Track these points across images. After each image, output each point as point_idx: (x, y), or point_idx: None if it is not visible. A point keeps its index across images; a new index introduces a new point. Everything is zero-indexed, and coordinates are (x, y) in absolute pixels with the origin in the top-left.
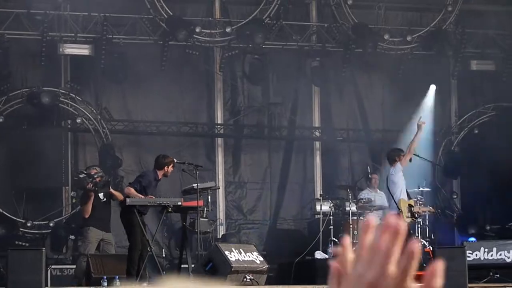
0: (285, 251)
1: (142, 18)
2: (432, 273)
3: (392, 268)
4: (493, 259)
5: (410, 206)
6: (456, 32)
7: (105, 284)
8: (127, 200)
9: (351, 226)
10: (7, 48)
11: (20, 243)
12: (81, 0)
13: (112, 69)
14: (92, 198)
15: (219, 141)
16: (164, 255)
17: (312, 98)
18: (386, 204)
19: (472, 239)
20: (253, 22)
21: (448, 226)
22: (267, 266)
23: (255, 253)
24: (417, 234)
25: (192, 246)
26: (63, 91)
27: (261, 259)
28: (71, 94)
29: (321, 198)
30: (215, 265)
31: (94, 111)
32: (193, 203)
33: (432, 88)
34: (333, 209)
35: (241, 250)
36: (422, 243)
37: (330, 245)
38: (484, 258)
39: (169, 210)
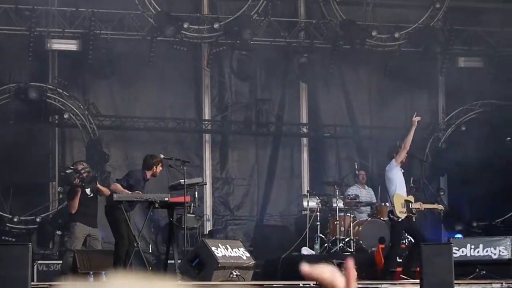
0: (271, 247)
1: (130, 14)
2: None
3: None
4: (480, 255)
5: (407, 202)
6: (444, 29)
7: (91, 279)
8: (114, 195)
9: (337, 222)
10: None
11: (7, 238)
12: None
13: (99, 65)
14: (79, 193)
15: (207, 137)
16: (150, 251)
17: (300, 95)
18: (374, 200)
19: (459, 235)
20: (241, 18)
21: (435, 223)
22: (253, 262)
23: (242, 249)
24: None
25: (179, 242)
26: (51, 87)
27: (248, 255)
28: (59, 90)
29: (308, 194)
30: (202, 261)
31: (81, 106)
32: (180, 199)
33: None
34: (320, 205)
35: (227, 246)
36: (409, 239)
37: (316, 241)
38: (471, 254)
39: (156, 206)
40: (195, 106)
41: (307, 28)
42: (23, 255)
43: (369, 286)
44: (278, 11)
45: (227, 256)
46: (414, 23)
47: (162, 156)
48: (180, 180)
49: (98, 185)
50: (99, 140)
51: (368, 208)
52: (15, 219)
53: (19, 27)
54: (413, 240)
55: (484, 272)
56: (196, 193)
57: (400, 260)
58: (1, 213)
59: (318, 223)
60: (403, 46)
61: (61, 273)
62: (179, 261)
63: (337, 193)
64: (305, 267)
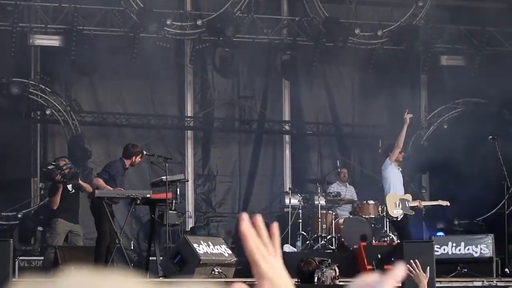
0: None
1: (113, 10)
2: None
3: None
4: (461, 253)
5: (403, 200)
6: (426, 27)
7: None
8: (96, 192)
9: (320, 219)
10: None
11: None
12: None
13: (82, 61)
14: (61, 189)
15: (189, 133)
16: (132, 248)
17: (282, 92)
18: (355, 198)
19: (440, 233)
20: (224, 15)
21: (416, 221)
22: (235, 259)
23: (224, 246)
24: (385, 228)
25: (161, 239)
26: (33, 82)
27: (230, 252)
28: (41, 85)
29: (290, 192)
30: (183, 258)
31: (63, 102)
32: (162, 196)
33: None
34: (302, 202)
35: (209, 243)
36: (391, 237)
37: (298, 239)
38: (452, 252)
39: (138, 202)
40: (178, 103)
41: (290, 25)
42: (4, 251)
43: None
44: (261, 8)
45: (209, 253)
46: (397, 21)
47: (144, 152)
48: (162, 177)
49: (80, 181)
50: (81, 136)
51: (349, 206)
52: None
53: (1, 22)
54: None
55: (466, 270)
56: (178, 190)
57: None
58: None
59: (300, 220)
60: (385, 44)
61: (43, 269)
62: (161, 258)
63: (319, 191)
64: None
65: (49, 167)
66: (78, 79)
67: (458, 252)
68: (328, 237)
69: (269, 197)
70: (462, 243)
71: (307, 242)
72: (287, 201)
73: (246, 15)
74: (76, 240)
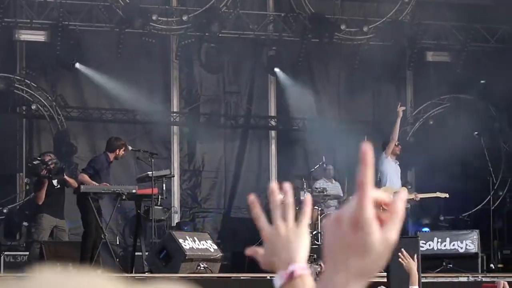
0: (239, 239)
1: (99, 5)
2: (397, 199)
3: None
4: (447, 249)
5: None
6: (412, 23)
7: None
8: (82, 187)
9: None
10: None
11: None
12: None
13: (67, 56)
14: (46, 184)
15: (175, 129)
16: (118, 243)
17: (268, 87)
18: (341, 194)
19: (426, 229)
20: (210, 11)
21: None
22: (221, 254)
23: (209, 241)
24: None
25: (146, 234)
26: (18, 78)
27: (215, 247)
28: (26, 81)
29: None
30: (169, 253)
31: (49, 97)
32: (147, 191)
33: None
34: None
35: (195, 238)
36: None
37: None
38: (438, 248)
39: (124, 198)
40: (164, 98)
41: (276, 21)
42: None
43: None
44: (247, 4)
45: (195, 248)
46: (383, 17)
47: (130, 148)
48: (148, 172)
49: (65, 177)
50: (66, 132)
51: (335, 202)
52: None
53: None
54: None
55: (451, 265)
56: (163, 185)
57: None
58: None
59: None
60: (371, 40)
61: (28, 264)
62: (147, 253)
63: (305, 186)
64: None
65: (34, 162)
66: (64, 74)
67: (443, 248)
68: (314, 233)
69: (255, 193)
70: (448, 239)
71: None
72: None
73: (232, 10)
74: (61, 235)
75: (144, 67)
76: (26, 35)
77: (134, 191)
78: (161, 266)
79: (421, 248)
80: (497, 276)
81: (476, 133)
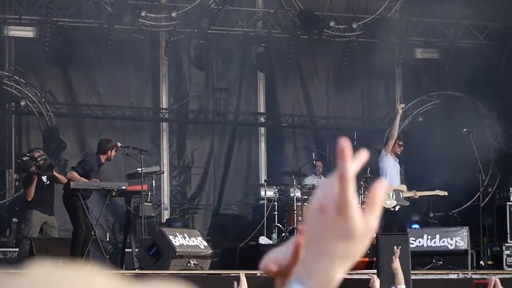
0: (229, 236)
1: (88, 1)
2: (376, 187)
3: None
4: (436, 246)
5: (398, 191)
6: (401, 20)
7: None
8: (71, 183)
9: (295, 212)
10: None
11: None
12: None
13: (57, 52)
14: (35, 181)
15: (164, 125)
16: (108, 239)
17: (257, 84)
18: None
19: (416, 226)
20: (199, 7)
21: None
22: (211, 251)
23: (200, 238)
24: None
25: (136, 231)
26: (7, 74)
27: (205, 244)
28: (15, 77)
29: (265, 184)
30: (159, 250)
31: (38, 94)
32: (137, 188)
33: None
34: (277, 194)
35: (185, 234)
36: None
37: (274, 231)
38: (427, 245)
39: (113, 194)
40: (153, 95)
41: (265, 17)
42: None
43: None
44: (236, 1)
45: (185, 245)
46: (372, 14)
47: (119, 144)
48: (138, 169)
49: (55, 173)
50: (56, 128)
51: None
52: None
53: None
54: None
55: (441, 262)
56: (153, 181)
57: None
58: None
59: (276, 212)
60: (360, 37)
61: (18, 260)
62: (137, 250)
63: (294, 183)
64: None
65: (23, 159)
66: (53, 70)
67: (433, 245)
68: None
69: (245, 189)
70: (437, 236)
71: (283, 234)
72: (262, 193)
73: (221, 7)
74: (51, 231)
75: (133, 63)
76: (15, 31)
77: (123, 187)
78: (151, 262)
79: (411, 245)
80: (487, 273)
81: (465, 130)
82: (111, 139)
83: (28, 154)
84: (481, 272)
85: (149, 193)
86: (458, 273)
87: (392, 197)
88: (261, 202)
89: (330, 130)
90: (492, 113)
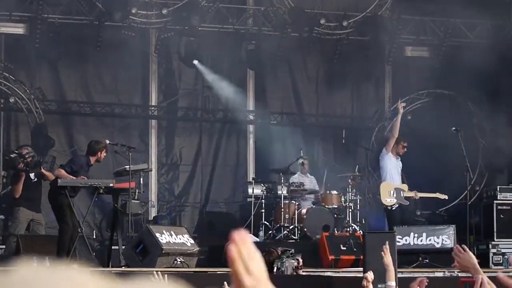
0: (216, 234)
1: None
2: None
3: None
4: (423, 244)
5: (398, 190)
6: (391, 18)
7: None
8: (59, 181)
9: (282, 209)
10: None
11: None
12: None
13: (46, 49)
14: (23, 178)
15: (153, 123)
16: (94, 236)
17: (247, 81)
18: (316, 188)
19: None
20: (190, 4)
21: (379, 211)
22: (198, 248)
23: (186, 236)
24: (348, 219)
25: (123, 228)
26: None
27: (192, 241)
28: (5, 73)
29: (253, 181)
30: (146, 247)
31: (27, 90)
32: (125, 185)
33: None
34: (265, 192)
35: (172, 232)
36: (353, 227)
37: (261, 228)
38: (414, 243)
39: (101, 192)
40: (142, 92)
41: (256, 15)
42: None
43: (311, 274)
44: None
45: (171, 242)
46: (362, 12)
47: (107, 141)
48: (126, 166)
49: (43, 170)
50: (44, 125)
51: (312, 196)
52: None
53: None
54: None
55: (427, 260)
56: (141, 179)
57: None
58: None
59: (263, 210)
60: (351, 34)
61: (5, 257)
62: (123, 247)
63: (282, 181)
64: None
65: (11, 156)
66: (43, 67)
67: (420, 243)
68: (290, 227)
69: (232, 187)
70: (424, 234)
71: (270, 232)
72: (250, 191)
73: (211, 4)
74: (38, 228)
75: (123, 60)
76: (5, 28)
77: (111, 185)
78: (138, 260)
79: (397, 243)
80: None
81: (454, 128)
82: (101, 140)
83: (16, 151)
84: None
85: (137, 191)
86: (444, 271)
87: (393, 195)
88: (248, 199)
89: (319, 128)
90: (481, 112)
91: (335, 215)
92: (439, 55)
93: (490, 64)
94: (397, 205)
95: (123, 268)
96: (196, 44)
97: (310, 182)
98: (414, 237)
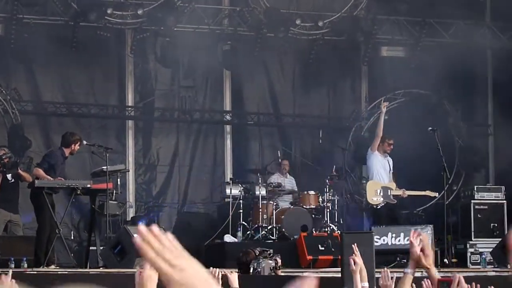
0: (194, 234)
1: None
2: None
3: None
4: (401, 244)
5: (386, 188)
6: (367, 18)
7: (12, 265)
8: (36, 182)
9: (260, 210)
10: None
11: None
12: None
13: (22, 50)
14: (0, 179)
15: (130, 123)
16: (72, 237)
17: (223, 82)
18: (295, 188)
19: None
20: (165, 5)
21: (357, 211)
22: None
23: None
24: (326, 219)
25: (101, 229)
26: None
27: None
28: None
29: (231, 182)
30: (124, 248)
31: (3, 91)
32: (102, 186)
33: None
34: (243, 193)
35: None
36: (331, 227)
37: (239, 229)
38: (392, 243)
39: (78, 192)
40: (118, 93)
41: (231, 15)
42: None
43: (290, 274)
44: None
45: None
46: (338, 12)
47: (85, 142)
48: (103, 167)
49: (20, 171)
50: (21, 126)
51: (290, 196)
52: None
53: None
54: None
55: (405, 260)
56: (118, 179)
57: None
58: None
59: (241, 210)
60: (326, 34)
61: None
62: (101, 248)
63: (260, 181)
64: None
65: None
66: (18, 68)
67: (397, 243)
68: (268, 228)
69: (210, 187)
70: (402, 234)
71: (248, 232)
72: (228, 191)
73: (187, 4)
74: (15, 230)
75: (99, 61)
76: None
77: (88, 185)
78: (116, 261)
79: (375, 243)
80: (451, 271)
81: (430, 128)
82: (76, 133)
83: None
84: (446, 270)
85: (114, 191)
86: (422, 271)
87: (380, 194)
88: (226, 200)
89: (296, 128)
90: (457, 111)
91: (313, 215)
92: (414, 55)
93: (465, 63)
94: (383, 204)
95: (101, 269)
96: (172, 44)
97: (289, 182)
98: (392, 237)
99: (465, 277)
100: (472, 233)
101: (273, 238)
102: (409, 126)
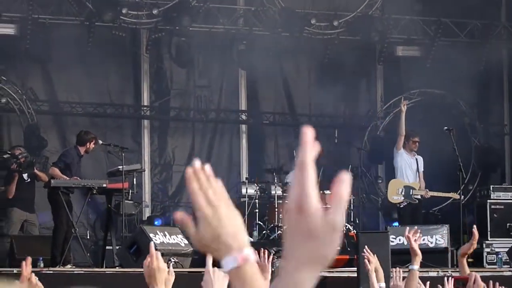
0: None
1: None
2: (339, 181)
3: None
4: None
5: (408, 187)
6: (382, 18)
7: (41, 265)
8: (52, 181)
9: (276, 209)
10: None
11: None
12: None
13: (37, 50)
14: (16, 178)
15: (145, 123)
16: (88, 237)
17: (239, 82)
18: None
19: (396, 224)
20: (180, 4)
21: (373, 211)
22: (191, 249)
23: (180, 236)
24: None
25: (117, 228)
26: None
27: (186, 242)
28: None
29: (246, 181)
30: (140, 248)
31: (19, 91)
32: (118, 185)
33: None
34: (258, 192)
35: (166, 232)
36: (347, 227)
37: (255, 228)
38: (408, 243)
39: (94, 192)
40: (134, 92)
41: (246, 15)
42: None
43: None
44: None
45: (165, 243)
46: (353, 11)
47: (100, 142)
48: (119, 167)
49: (36, 171)
50: (37, 125)
51: None
52: None
53: None
54: None
55: (421, 260)
56: (134, 179)
57: None
58: None
59: (257, 210)
60: (341, 34)
61: None
62: (117, 248)
63: (275, 180)
64: None
65: (4, 156)
66: (34, 68)
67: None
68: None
69: (226, 187)
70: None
71: (264, 232)
72: (243, 191)
73: (202, 4)
74: (31, 229)
75: (114, 60)
76: None
77: (104, 185)
78: (132, 260)
79: (391, 243)
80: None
81: (446, 128)
82: (90, 131)
83: (9, 152)
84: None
85: (130, 191)
86: (438, 271)
87: (401, 193)
88: (242, 199)
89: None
90: (473, 111)
91: None
92: (430, 55)
93: (480, 63)
94: (405, 203)
95: (117, 269)
96: (187, 44)
97: None
98: None
99: (481, 277)
100: (489, 232)
101: None
102: (425, 126)
